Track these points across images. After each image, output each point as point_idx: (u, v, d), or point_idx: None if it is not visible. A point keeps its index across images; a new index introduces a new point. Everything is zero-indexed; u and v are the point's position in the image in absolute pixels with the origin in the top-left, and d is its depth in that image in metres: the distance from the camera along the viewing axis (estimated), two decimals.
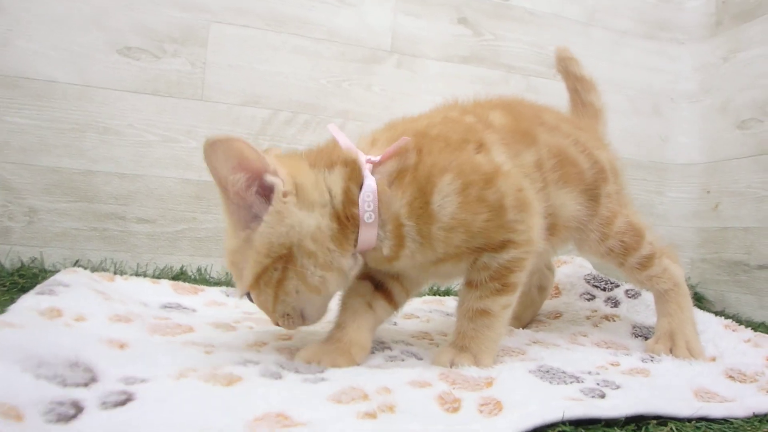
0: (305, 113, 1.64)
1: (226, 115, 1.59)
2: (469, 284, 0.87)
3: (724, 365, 0.91)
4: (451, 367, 0.81)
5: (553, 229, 0.97)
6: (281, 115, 1.62)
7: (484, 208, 0.81)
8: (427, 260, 0.84)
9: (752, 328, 1.49)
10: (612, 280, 1.39)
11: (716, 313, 1.75)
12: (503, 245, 0.84)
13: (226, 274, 1.55)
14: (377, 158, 0.81)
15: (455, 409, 0.67)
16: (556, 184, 0.96)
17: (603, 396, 0.72)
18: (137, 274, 1.45)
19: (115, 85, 1.51)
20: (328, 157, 0.81)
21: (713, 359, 1.02)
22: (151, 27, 1.53)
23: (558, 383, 0.76)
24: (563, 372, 0.81)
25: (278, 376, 0.73)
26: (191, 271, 1.53)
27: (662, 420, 0.66)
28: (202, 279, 1.50)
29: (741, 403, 0.72)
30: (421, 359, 0.89)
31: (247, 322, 1.03)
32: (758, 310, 1.71)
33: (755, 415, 0.70)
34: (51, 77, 1.46)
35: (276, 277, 0.76)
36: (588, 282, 1.40)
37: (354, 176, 0.79)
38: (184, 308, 1.14)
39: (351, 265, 0.80)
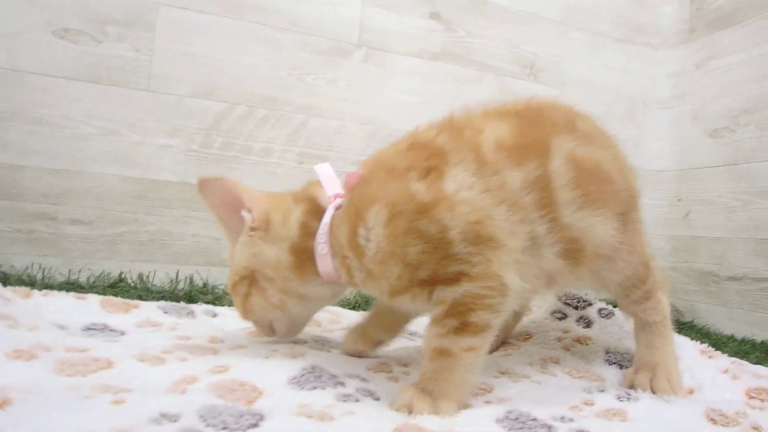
0: (264, 108, 1.51)
1: (175, 107, 1.45)
2: (431, 320, 0.79)
3: (704, 404, 0.84)
4: (409, 412, 0.72)
5: (578, 256, 0.87)
6: (237, 109, 1.49)
7: (418, 240, 0.76)
8: (382, 291, 0.82)
9: (722, 342, 1.49)
10: (584, 297, 1.32)
11: (686, 324, 1.74)
12: (456, 278, 0.76)
13: (171, 281, 1.42)
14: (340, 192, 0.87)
15: None
16: (578, 202, 0.85)
17: None
18: (68, 282, 1.31)
19: (49, 70, 1.35)
20: (301, 194, 0.91)
21: (691, 391, 0.97)
22: (92, 7, 1.37)
23: None
24: (534, 420, 0.72)
25: None
26: (131, 278, 1.39)
27: None
28: (143, 287, 1.36)
29: None
30: (378, 399, 0.80)
31: (180, 352, 0.91)
32: (727, 321, 1.68)
33: None
34: None
35: (243, 291, 0.90)
36: (560, 299, 1.33)
37: (314, 211, 0.87)
38: (111, 330, 1.01)
39: (319, 292, 0.90)
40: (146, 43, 1.41)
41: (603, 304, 1.27)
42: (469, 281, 0.75)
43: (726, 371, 1.02)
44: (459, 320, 0.76)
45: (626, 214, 0.93)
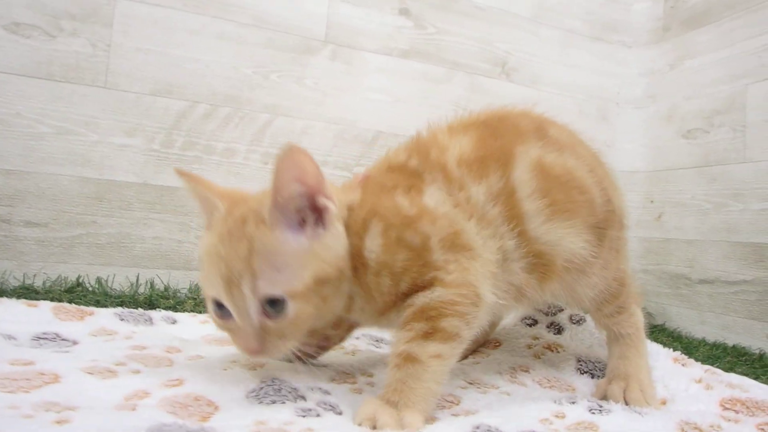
0: (227, 106, 1.47)
1: (134, 105, 1.39)
2: (400, 324, 0.78)
3: (678, 417, 0.82)
4: (373, 427, 0.70)
5: (546, 270, 0.86)
6: (199, 107, 1.44)
7: (404, 249, 0.77)
8: (373, 312, 0.82)
9: (693, 346, 1.49)
10: (555, 303, 1.30)
11: (657, 327, 1.74)
12: (430, 282, 0.77)
13: (131, 285, 1.38)
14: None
15: None
16: (546, 213, 0.83)
17: None
18: (23, 287, 1.26)
19: None
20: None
21: (664, 402, 0.95)
22: (44, 1, 1.31)
23: None
24: None
25: None
26: (89, 282, 1.34)
27: None
28: (101, 291, 1.31)
29: None
30: (340, 413, 0.77)
31: (134, 364, 0.87)
32: (698, 325, 1.68)
33: None
34: None
35: (325, 293, 0.75)
36: None
37: None
38: (63, 340, 0.96)
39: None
40: (103, 39, 1.36)
41: (574, 310, 1.26)
42: (443, 287, 0.76)
43: (699, 381, 1.01)
44: (429, 324, 0.75)
45: (604, 229, 0.91)
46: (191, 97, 1.43)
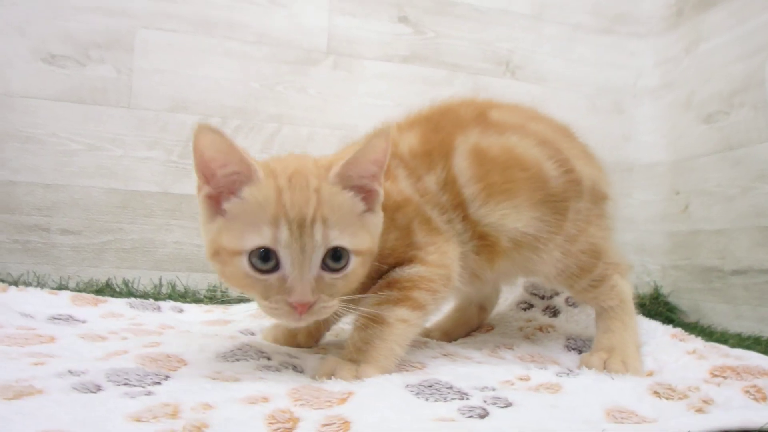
0: (236, 118, 1.58)
1: (153, 122, 1.54)
2: (372, 292, 0.82)
3: (652, 380, 0.78)
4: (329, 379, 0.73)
5: (491, 252, 0.89)
6: (211, 120, 1.56)
7: (394, 229, 0.82)
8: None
9: (723, 340, 1.38)
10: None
11: (689, 325, 1.64)
12: (410, 260, 0.83)
13: (154, 287, 1.49)
14: None
15: (287, 430, 0.58)
16: (482, 197, 0.87)
17: (484, 416, 0.62)
18: (59, 288, 1.39)
19: (38, 93, 1.47)
20: None
21: (651, 373, 0.90)
22: (75, 33, 1.49)
23: (435, 401, 0.67)
24: (450, 387, 0.71)
25: (96, 389, 0.65)
26: (117, 284, 1.46)
27: None
28: (128, 292, 1.43)
29: (660, 425, 0.60)
30: (301, 371, 0.81)
31: (125, 333, 0.96)
32: (734, 320, 1.58)
33: None
34: None
35: (366, 262, 0.77)
36: (527, 290, 1.29)
37: None
38: (75, 320, 1.07)
39: None
40: (125, 63, 1.52)
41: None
42: (422, 265, 0.82)
43: (693, 352, 0.93)
44: (401, 293, 0.80)
45: (563, 202, 0.91)
46: (204, 111, 1.56)
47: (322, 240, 0.69)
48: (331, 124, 1.64)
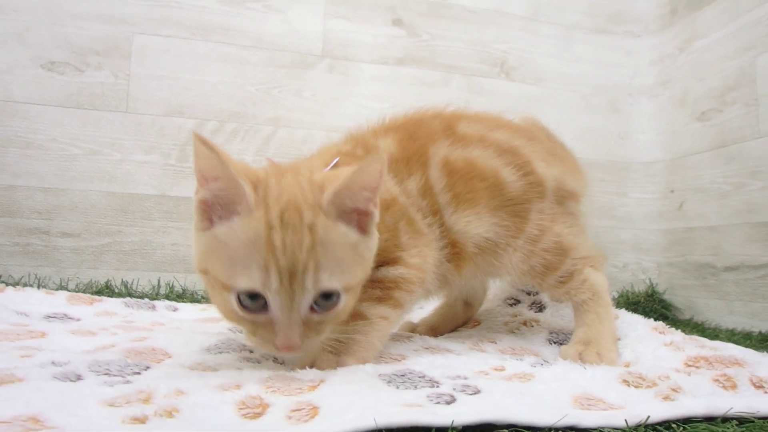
0: (233, 122, 1.61)
1: (150, 126, 1.57)
2: None
3: (626, 370, 0.79)
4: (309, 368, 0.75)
5: (459, 259, 0.92)
6: (208, 124, 1.59)
7: (383, 229, 0.83)
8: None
9: (714, 335, 1.38)
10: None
11: (684, 321, 1.64)
12: (395, 261, 0.85)
13: (153, 288, 1.51)
14: None
15: (257, 415, 0.59)
16: (452, 205, 0.92)
17: (451, 402, 0.63)
18: (59, 290, 1.42)
19: (37, 99, 1.50)
20: None
21: (627, 365, 0.90)
22: (74, 40, 1.53)
23: (406, 388, 0.68)
24: (422, 376, 0.72)
25: (76, 378, 0.67)
26: (116, 286, 1.49)
27: (517, 429, 0.57)
28: (127, 294, 1.46)
29: (627, 411, 0.61)
30: (282, 363, 0.83)
31: (115, 329, 0.98)
32: (727, 315, 1.59)
33: (640, 426, 0.59)
34: None
35: (358, 290, 0.77)
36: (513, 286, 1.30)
37: None
38: (69, 318, 1.09)
39: None
40: (123, 69, 1.55)
41: None
42: (405, 267, 0.85)
43: (670, 343, 0.94)
44: (384, 292, 0.83)
45: (523, 204, 0.95)
46: (201, 115, 1.59)
47: (312, 286, 0.68)
48: (326, 127, 1.66)
